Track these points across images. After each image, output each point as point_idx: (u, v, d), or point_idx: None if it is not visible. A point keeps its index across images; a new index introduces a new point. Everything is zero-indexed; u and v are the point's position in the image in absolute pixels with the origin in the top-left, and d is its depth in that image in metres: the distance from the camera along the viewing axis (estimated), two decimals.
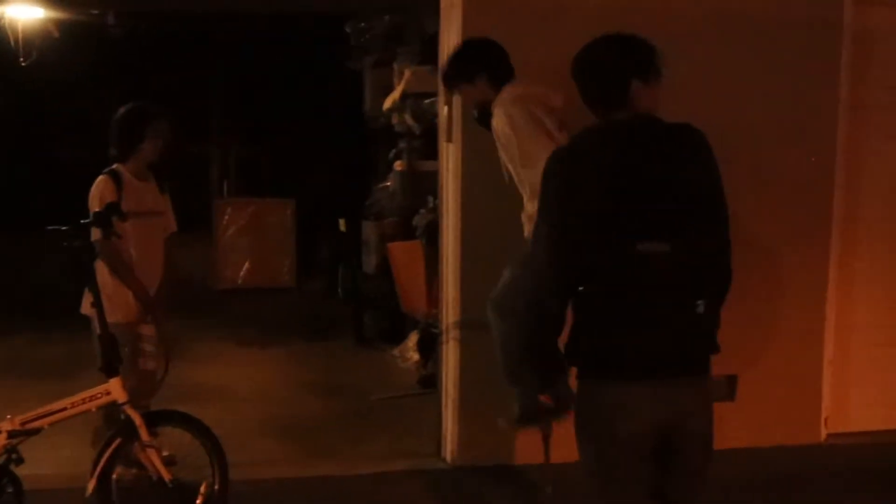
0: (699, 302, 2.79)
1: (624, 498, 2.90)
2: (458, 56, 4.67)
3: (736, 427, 5.24)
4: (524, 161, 4.24)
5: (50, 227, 4.05)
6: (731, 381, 5.41)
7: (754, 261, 5.06)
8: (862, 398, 5.79)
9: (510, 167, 4.40)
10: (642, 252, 2.71)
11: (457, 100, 5.01)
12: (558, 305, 2.82)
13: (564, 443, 4.79)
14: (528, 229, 4.25)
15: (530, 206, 4.23)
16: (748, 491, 4.86)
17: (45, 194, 6.95)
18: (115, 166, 4.74)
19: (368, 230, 8.68)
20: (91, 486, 3.98)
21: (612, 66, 2.93)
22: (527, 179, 4.23)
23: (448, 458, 5.30)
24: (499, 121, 4.32)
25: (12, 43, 8.74)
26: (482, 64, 4.51)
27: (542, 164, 3.84)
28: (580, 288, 2.76)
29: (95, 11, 9.52)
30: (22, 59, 8.85)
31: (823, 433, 5.70)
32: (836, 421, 5.73)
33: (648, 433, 2.84)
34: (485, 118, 4.50)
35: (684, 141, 2.88)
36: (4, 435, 3.94)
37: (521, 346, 3.36)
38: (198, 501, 4.27)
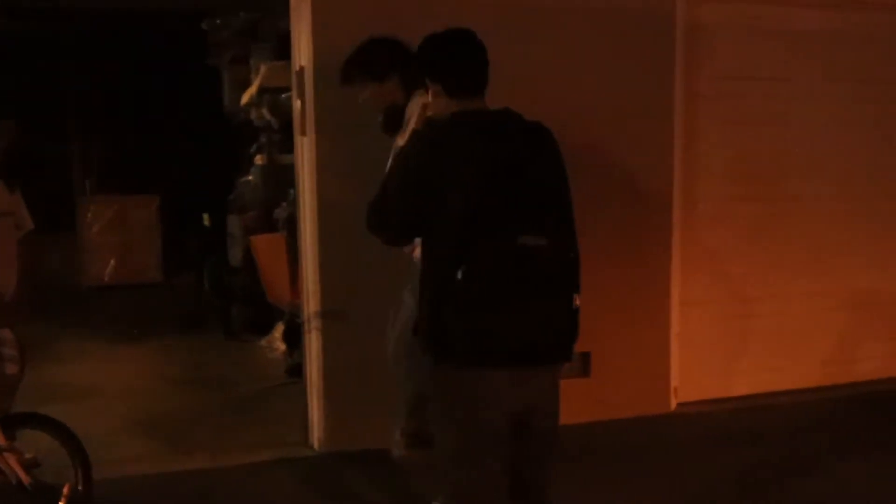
0: (575, 295, 2.91)
1: (481, 478, 3.00)
2: (366, 54, 4.42)
3: (589, 401, 5.50)
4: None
5: None
6: (585, 357, 5.64)
7: (602, 245, 5.29)
8: (707, 368, 6.13)
9: None
10: (523, 245, 2.79)
11: (309, 93, 5.06)
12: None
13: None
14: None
15: None
16: (600, 461, 5.08)
17: None
18: None
19: (233, 224, 8.67)
20: None
21: (480, 53, 3.06)
22: None
23: (315, 444, 5.39)
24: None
25: None
26: (393, 63, 4.31)
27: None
28: (458, 276, 2.78)
29: None
30: None
31: (673, 403, 6.01)
32: (685, 391, 6.05)
33: (507, 416, 2.96)
34: (392, 124, 4.31)
35: (541, 137, 3.02)
36: None
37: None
38: (61, 503, 4.28)
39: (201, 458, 5.36)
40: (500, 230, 2.80)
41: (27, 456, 4.20)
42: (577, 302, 2.92)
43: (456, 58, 3.07)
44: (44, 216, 5.01)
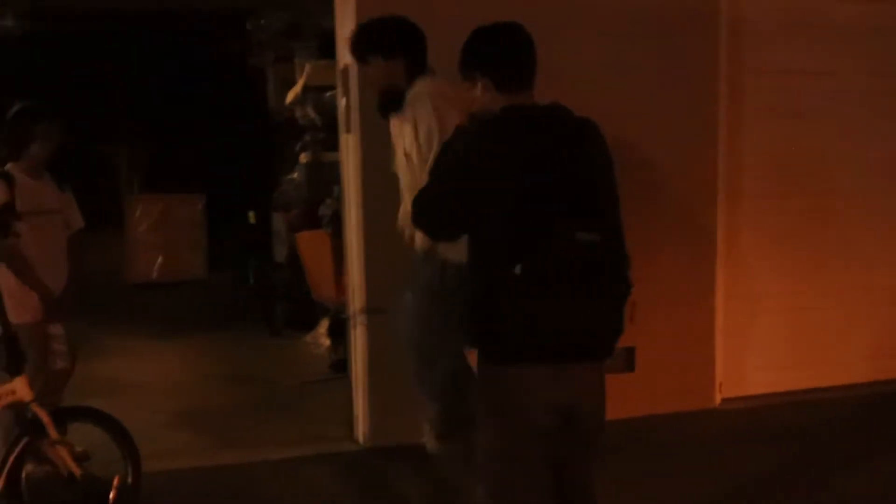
0: (628, 290, 2.88)
1: (524, 475, 2.97)
2: (379, 27, 4.23)
3: (633, 397, 5.49)
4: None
5: None
6: (629, 353, 5.62)
7: (646, 239, 5.24)
8: (754, 363, 6.08)
9: (416, 163, 4.04)
10: (579, 241, 2.75)
11: (354, 91, 5.10)
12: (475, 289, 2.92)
13: None
14: (419, 241, 4.08)
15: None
16: (642, 456, 5.07)
17: None
18: (6, 166, 4.72)
19: (277, 221, 8.75)
20: (0, 484, 4.02)
21: (528, 46, 3.02)
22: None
23: (360, 439, 5.43)
24: (406, 130, 4.03)
25: None
26: (404, 43, 4.14)
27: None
28: (516, 271, 2.74)
29: None
30: None
31: (718, 398, 5.97)
32: (731, 386, 6.01)
33: (552, 412, 2.93)
34: (389, 105, 4.16)
35: (590, 132, 2.98)
36: None
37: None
38: (111, 495, 4.30)
39: (246, 453, 5.42)
40: (556, 226, 2.76)
41: (78, 449, 4.28)
42: (632, 297, 2.91)
43: (505, 51, 3.03)
44: (92, 214, 5.09)
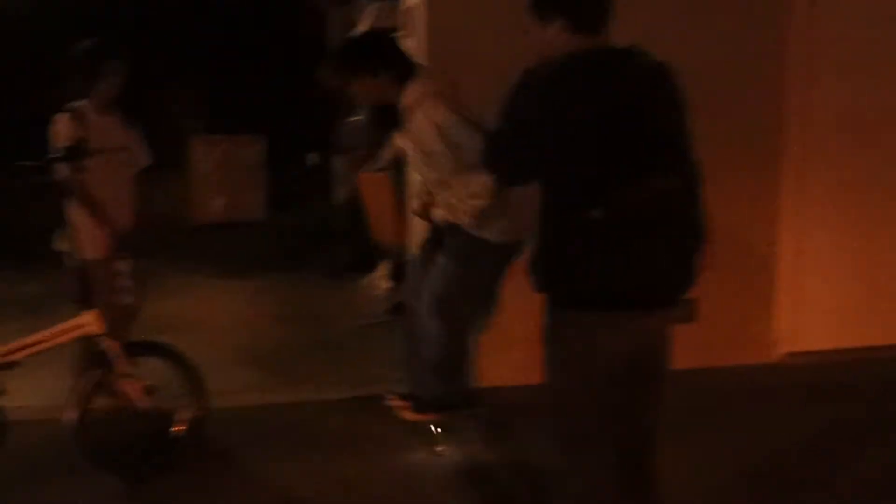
0: (705, 236, 2.86)
1: (594, 423, 2.97)
2: (362, 45, 4.49)
3: (692, 348, 5.43)
4: (457, 170, 4.15)
5: (18, 163, 4.10)
6: (691, 303, 5.56)
7: (709, 187, 5.19)
8: (817, 318, 5.98)
9: (429, 165, 4.28)
10: (660, 186, 2.72)
11: (421, 31, 5.08)
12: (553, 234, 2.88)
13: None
14: (440, 216, 4.37)
15: (455, 199, 4.23)
16: (694, 409, 4.98)
17: (20, 136, 7.03)
18: (77, 103, 4.77)
19: (338, 164, 8.76)
20: (70, 415, 4.11)
21: None
22: (458, 185, 4.18)
23: None
24: (423, 130, 4.16)
25: None
26: (388, 57, 4.31)
27: (476, 173, 3.93)
28: (594, 216, 2.71)
29: None
30: None
31: (778, 353, 5.91)
32: (792, 340, 5.94)
33: (620, 361, 2.93)
34: (384, 118, 4.46)
35: (666, 76, 2.91)
36: None
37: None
38: (178, 428, 4.42)
39: (305, 391, 5.51)
40: (636, 170, 2.72)
41: (145, 383, 4.36)
42: (708, 244, 2.87)
43: None
44: (156, 155, 5.13)
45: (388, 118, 4.32)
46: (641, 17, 4.88)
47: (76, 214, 4.57)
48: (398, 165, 6.39)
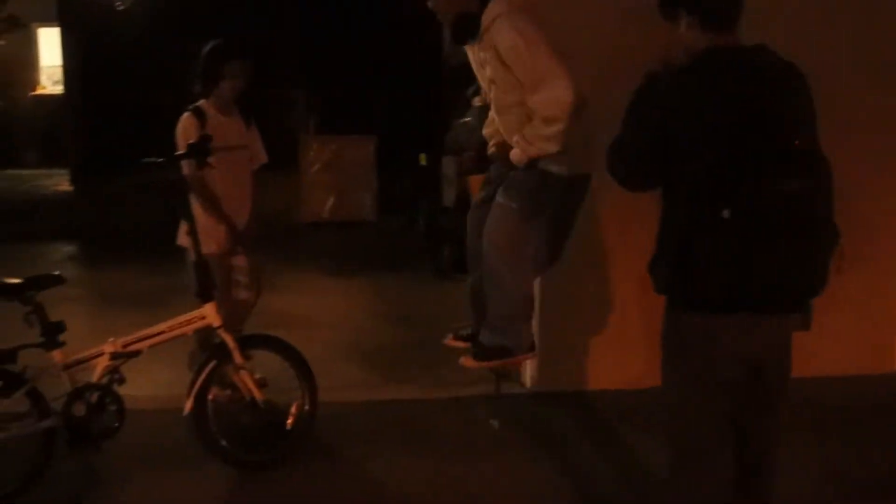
0: (837, 238, 2.81)
1: (709, 428, 2.93)
2: None
3: (806, 356, 5.30)
4: (535, 84, 4.00)
5: (144, 160, 4.23)
6: (807, 310, 5.43)
7: (836, 191, 5.06)
8: None
9: (503, 87, 4.15)
10: (785, 188, 2.68)
11: None
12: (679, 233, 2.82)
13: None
14: (518, 155, 4.14)
15: (530, 130, 4.08)
16: (812, 419, 4.91)
17: (141, 135, 7.28)
18: (199, 102, 4.89)
19: (447, 165, 8.80)
20: (188, 405, 4.21)
21: None
22: (533, 104, 4.04)
23: (527, 383, 5.47)
24: (506, 35, 4.00)
25: None
26: None
27: (554, 89, 3.93)
28: (724, 215, 2.68)
29: None
30: (119, 4, 9.16)
31: None
32: None
33: (742, 365, 2.90)
34: (464, 33, 4.20)
35: (796, 78, 2.88)
36: (107, 356, 4.15)
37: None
38: (289, 421, 4.49)
39: (411, 390, 5.54)
40: (766, 170, 2.67)
41: (257, 376, 4.45)
42: (840, 246, 2.81)
43: None
44: (270, 154, 5.23)
45: (467, 32, 4.26)
46: (770, 18, 4.79)
47: (196, 210, 4.67)
48: None
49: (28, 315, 4.05)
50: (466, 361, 4.53)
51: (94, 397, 4.14)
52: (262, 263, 5.19)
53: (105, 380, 4.17)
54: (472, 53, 4.31)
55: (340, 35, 12.27)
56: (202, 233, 4.45)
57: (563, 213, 4.32)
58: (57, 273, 4.31)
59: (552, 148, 4.05)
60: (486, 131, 4.59)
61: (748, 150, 2.69)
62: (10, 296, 4.04)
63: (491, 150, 4.53)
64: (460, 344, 4.66)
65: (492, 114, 4.45)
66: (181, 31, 10.01)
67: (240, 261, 5.00)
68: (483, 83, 4.38)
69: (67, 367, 4.12)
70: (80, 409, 4.10)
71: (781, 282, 2.76)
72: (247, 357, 4.30)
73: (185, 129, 4.77)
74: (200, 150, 4.31)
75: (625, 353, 5.08)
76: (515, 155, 4.16)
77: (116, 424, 4.18)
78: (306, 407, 4.50)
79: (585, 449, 4.68)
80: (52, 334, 4.09)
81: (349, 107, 11.99)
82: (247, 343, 4.38)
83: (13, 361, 4.04)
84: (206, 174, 4.66)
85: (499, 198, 4.25)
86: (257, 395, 4.31)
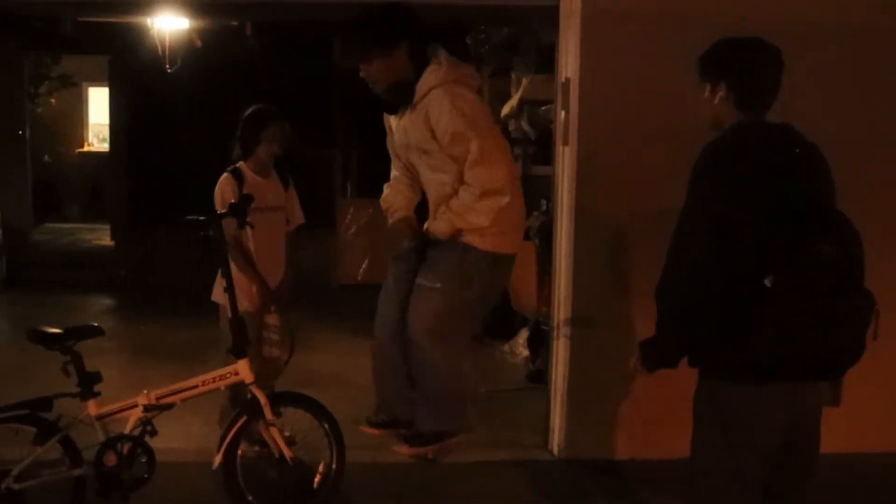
0: (873, 303, 2.82)
1: (741, 501, 2.92)
2: (376, 20, 3.99)
3: (836, 431, 5.25)
4: (481, 159, 3.85)
5: (188, 217, 4.31)
6: (837, 385, 5.38)
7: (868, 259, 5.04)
8: None
9: (438, 158, 3.96)
10: (821, 253, 2.72)
11: (574, 104, 5.14)
12: (722, 303, 2.77)
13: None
14: (442, 227, 3.97)
15: (459, 202, 3.93)
16: (851, 498, 4.87)
17: (185, 192, 7.47)
18: (238, 164, 5.03)
19: None
20: (217, 460, 4.22)
21: (779, 68, 2.96)
22: (470, 178, 3.88)
23: (555, 450, 5.44)
24: (446, 115, 3.84)
25: (160, 51, 9.30)
26: (405, 31, 3.96)
27: (493, 167, 3.85)
28: (766, 282, 2.70)
29: (235, 22, 10.03)
30: (168, 67, 9.40)
31: None
32: None
33: (779, 434, 2.90)
34: (398, 102, 4.02)
35: (819, 153, 2.95)
36: (140, 408, 4.19)
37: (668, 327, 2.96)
38: (316, 479, 4.49)
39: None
40: (804, 239, 2.72)
41: (286, 433, 4.47)
42: (876, 310, 2.82)
43: (759, 69, 2.95)
44: (307, 215, 5.33)
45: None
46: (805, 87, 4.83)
47: (233, 268, 4.74)
48: (544, 234, 6.44)
49: (66, 364, 4.13)
50: (401, 449, 4.29)
51: (126, 448, 4.18)
52: (295, 323, 5.24)
53: (137, 431, 4.20)
54: (396, 121, 4.14)
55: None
56: (237, 290, 4.52)
57: (487, 291, 4.17)
58: (96, 325, 4.39)
59: (482, 221, 3.92)
60: (390, 200, 4.39)
61: (789, 221, 2.74)
62: (51, 345, 4.13)
63: (395, 223, 4.35)
64: (374, 431, 4.39)
65: (399, 185, 4.35)
66: (224, 93, 10.25)
67: (272, 319, 5.06)
68: (400, 151, 4.22)
69: (101, 417, 4.18)
70: (111, 460, 4.14)
71: (823, 349, 2.78)
72: (277, 414, 4.32)
73: (223, 189, 4.90)
74: (240, 210, 4.40)
75: (654, 422, 5.07)
76: (438, 227, 4.02)
77: (146, 476, 4.21)
78: (334, 466, 4.51)
79: None
80: (89, 384, 4.16)
81: (386, 170, 12.12)
82: (278, 400, 4.40)
83: (48, 409, 4.11)
84: (243, 234, 4.76)
85: (420, 280, 4.06)
86: (286, 452, 4.32)
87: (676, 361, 2.95)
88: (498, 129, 4.01)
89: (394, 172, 4.43)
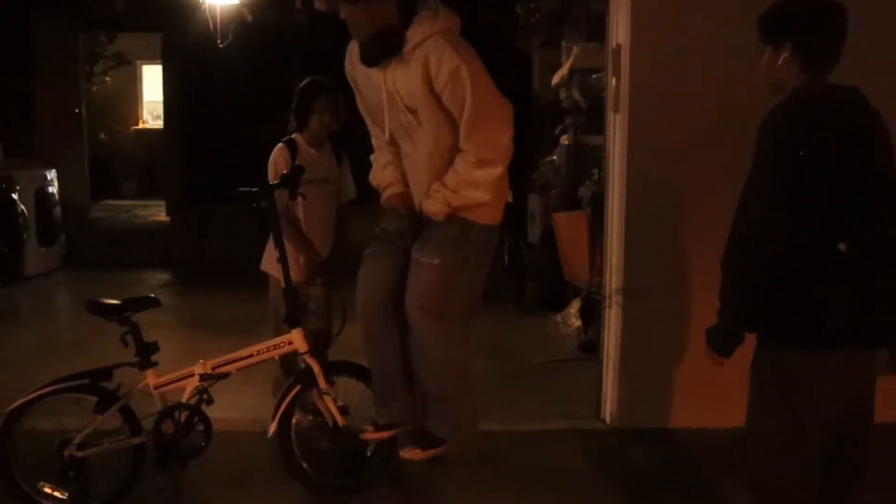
0: None
1: (798, 472, 2.88)
2: None
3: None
4: (471, 121, 3.59)
5: (241, 189, 4.35)
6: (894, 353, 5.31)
7: None
8: None
9: (430, 121, 3.67)
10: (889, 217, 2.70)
11: (625, 71, 5.10)
12: (792, 269, 2.71)
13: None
14: (438, 206, 3.70)
15: (455, 176, 3.68)
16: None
17: (236, 168, 7.53)
18: (292, 135, 5.05)
19: (533, 202, 8.85)
20: (272, 428, 4.29)
21: (840, 21, 2.84)
22: (466, 144, 3.64)
23: (607, 419, 5.45)
24: (448, 58, 3.54)
25: (211, 27, 9.38)
26: None
27: (492, 130, 3.57)
28: (840, 247, 2.67)
29: None
30: (219, 42, 9.47)
31: None
32: None
33: (840, 403, 2.85)
34: (384, 51, 3.67)
35: (881, 116, 2.88)
36: (197, 377, 4.25)
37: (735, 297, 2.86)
38: (369, 448, 4.49)
39: (495, 422, 5.51)
40: (879, 203, 2.70)
41: (340, 403, 4.51)
42: None
43: (827, 29, 2.84)
44: (360, 190, 5.33)
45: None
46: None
47: (284, 239, 4.77)
48: (596, 204, 6.42)
49: (124, 335, 4.20)
50: (414, 454, 4.05)
51: (183, 416, 4.25)
52: (347, 294, 5.27)
53: (194, 400, 4.28)
54: (381, 77, 3.75)
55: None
56: (289, 260, 4.54)
57: (483, 267, 3.94)
58: (153, 296, 4.46)
59: (483, 196, 3.70)
60: (380, 176, 4.09)
61: (863, 184, 2.71)
62: (109, 316, 4.20)
63: (389, 200, 4.07)
64: (382, 435, 4.17)
65: (387, 157, 4.04)
66: (278, 67, 10.30)
67: (316, 290, 5.07)
68: (377, 112, 3.90)
69: (159, 386, 4.25)
70: (169, 428, 4.22)
71: (891, 316, 2.75)
72: (330, 383, 4.35)
73: (276, 160, 4.93)
74: (292, 181, 4.42)
75: (707, 390, 5.03)
76: (433, 206, 3.72)
77: (203, 443, 4.29)
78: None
79: (666, 488, 4.63)
80: (146, 354, 4.24)
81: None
82: (331, 369, 4.43)
83: (108, 379, 4.19)
84: (294, 205, 4.78)
85: (417, 255, 3.81)
86: (340, 420, 4.36)
87: (743, 338, 2.88)
88: (497, 90, 3.66)
89: (376, 143, 4.13)
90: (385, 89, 3.75)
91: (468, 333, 4.04)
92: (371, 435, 4.18)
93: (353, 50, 3.91)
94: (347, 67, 3.98)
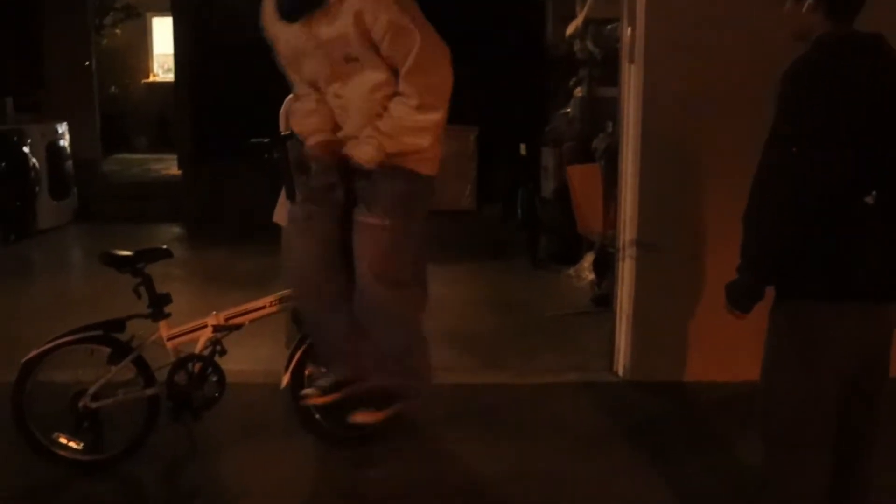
0: None
1: (814, 424, 2.88)
2: None
3: None
4: (414, 66, 3.44)
5: (252, 140, 4.32)
6: None
7: None
8: None
9: (370, 65, 3.50)
10: None
11: (641, 20, 5.03)
12: (816, 220, 2.68)
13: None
14: (370, 152, 3.54)
15: (391, 121, 3.52)
16: None
17: (248, 122, 7.49)
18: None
19: (547, 155, 8.79)
20: (285, 380, 4.31)
21: None
22: (406, 88, 3.49)
23: (620, 372, 5.45)
24: (383, 5, 3.40)
25: None
26: None
27: (434, 74, 3.45)
28: (867, 200, 2.67)
29: None
30: None
31: None
32: None
33: (858, 356, 2.86)
34: (299, 4, 3.51)
35: None
36: (210, 329, 4.27)
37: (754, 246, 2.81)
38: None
39: (507, 374, 5.57)
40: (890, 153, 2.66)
41: None
42: None
43: None
44: None
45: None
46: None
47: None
48: (610, 156, 6.37)
49: (137, 287, 4.20)
50: (365, 416, 3.94)
51: (197, 368, 4.26)
52: None
53: (207, 351, 4.29)
54: (306, 31, 3.57)
55: (443, 26, 12.30)
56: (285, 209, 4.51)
57: (422, 222, 3.85)
58: (165, 247, 4.46)
59: (422, 143, 3.58)
60: (304, 122, 3.86)
61: (890, 134, 2.68)
62: (122, 267, 4.20)
63: (313, 148, 3.83)
64: (328, 399, 3.98)
65: (310, 104, 3.83)
66: None
67: None
68: (295, 63, 3.74)
69: (172, 337, 4.25)
70: (182, 379, 4.24)
71: None
72: None
73: (287, 111, 4.86)
74: None
75: (720, 343, 5.03)
76: (366, 153, 3.55)
77: (217, 395, 4.31)
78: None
79: (678, 440, 4.63)
80: (159, 306, 4.24)
81: (451, 96, 12.02)
82: None
83: (121, 330, 4.20)
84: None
85: (362, 217, 3.65)
86: None
87: (763, 293, 2.84)
88: (437, 33, 3.52)
89: (299, 91, 3.92)
90: (305, 40, 3.60)
91: (422, 290, 3.98)
92: (316, 399, 4.02)
93: (268, 6, 3.75)
94: (263, 23, 3.81)
